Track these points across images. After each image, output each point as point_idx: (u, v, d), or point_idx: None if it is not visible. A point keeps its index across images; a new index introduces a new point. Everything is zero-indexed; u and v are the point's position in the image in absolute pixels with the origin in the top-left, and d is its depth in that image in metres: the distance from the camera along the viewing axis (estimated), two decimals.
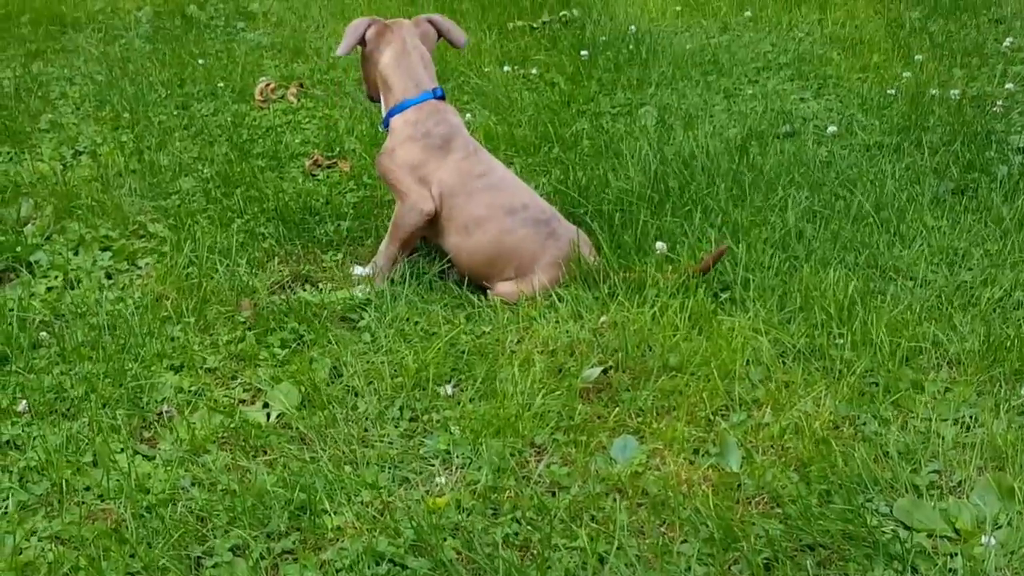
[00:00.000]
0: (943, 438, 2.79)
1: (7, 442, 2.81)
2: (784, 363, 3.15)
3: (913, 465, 2.69)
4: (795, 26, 6.39)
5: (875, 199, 4.03)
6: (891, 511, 2.52)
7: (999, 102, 5.01)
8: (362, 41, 3.70)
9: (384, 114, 3.69)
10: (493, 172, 3.60)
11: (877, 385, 3.02)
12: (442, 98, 3.67)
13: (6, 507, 2.57)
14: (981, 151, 4.43)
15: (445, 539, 2.43)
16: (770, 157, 4.43)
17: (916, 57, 5.67)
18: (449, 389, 3.05)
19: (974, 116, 4.83)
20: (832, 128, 4.81)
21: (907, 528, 2.47)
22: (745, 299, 3.42)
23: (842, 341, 3.19)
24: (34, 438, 2.80)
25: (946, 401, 2.94)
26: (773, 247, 3.68)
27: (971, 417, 2.87)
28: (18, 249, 3.77)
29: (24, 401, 2.96)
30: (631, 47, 6.00)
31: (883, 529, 2.45)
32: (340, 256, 3.82)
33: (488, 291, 3.52)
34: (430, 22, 3.75)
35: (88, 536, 2.44)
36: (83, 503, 2.59)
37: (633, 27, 6.35)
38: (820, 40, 6.12)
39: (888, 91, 5.22)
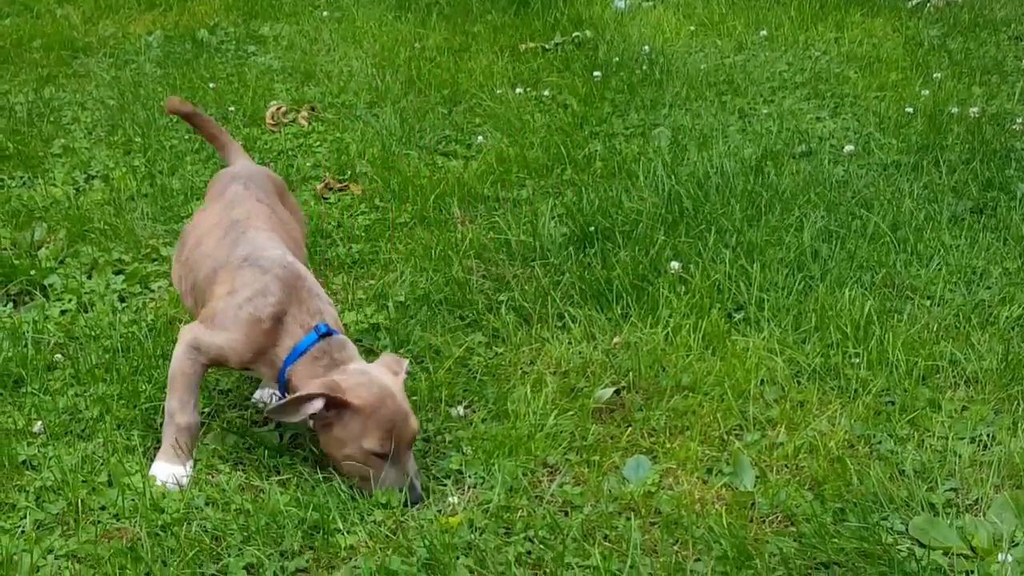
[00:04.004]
0: (960, 456, 2.77)
1: (23, 462, 2.81)
2: (799, 383, 3.13)
3: (929, 483, 2.68)
4: (811, 45, 6.39)
5: (892, 218, 4.02)
6: (907, 529, 2.50)
7: (1019, 120, 5.00)
8: None
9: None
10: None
11: (893, 404, 3.01)
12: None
13: (23, 526, 2.57)
14: (1000, 169, 4.42)
15: (458, 557, 2.42)
16: (785, 177, 4.43)
17: (935, 75, 5.67)
18: (461, 410, 3.05)
19: (993, 134, 4.82)
20: (849, 147, 4.80)
21: (923, 546, 2.45)
22: (760, 319, 3.41)
23: (858, 360, 3.18)
24: (50, 458, 2.80)
25: (963, 420, 2.93)
26: (788, 267, 3.67)
27: (988, 435, 2.86)
28: (32, 272, 3.79)
29: (40, 422, 2.97)
30: (644, 68, 6.01)
31: (899, 547, 2.43)
32: (351, 279, 3.82)
33: None
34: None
35: (104, 554, 2.44)
36: (99, 522, 2.58)
37: (647, 47, 6.36)
38: (837, 59, 6.12)
39: (906, 109, 5.21)
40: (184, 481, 2.72)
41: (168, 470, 2.73)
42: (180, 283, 3.07)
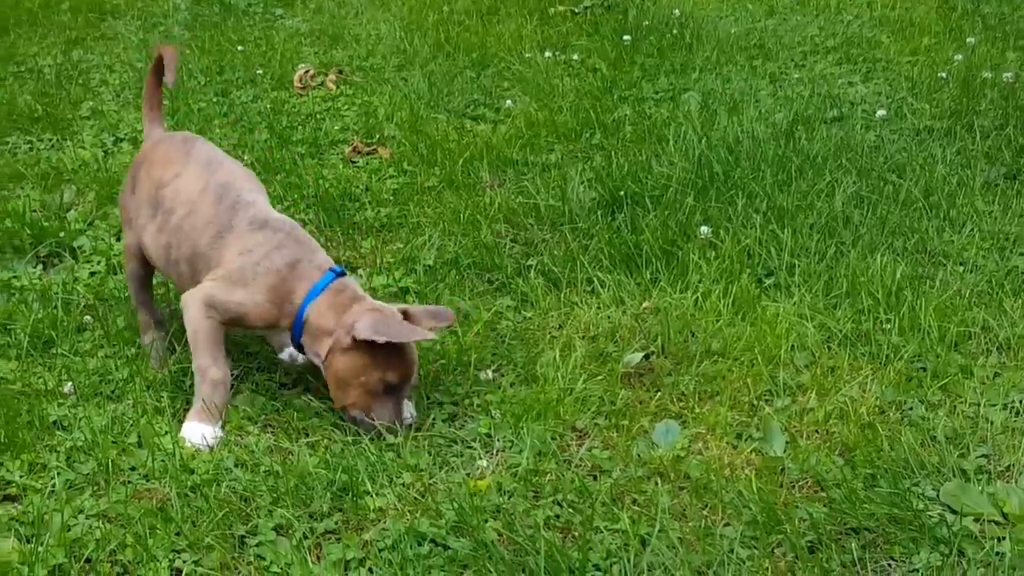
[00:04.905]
0: (992, 423, 2.75)
1: (54, 423, 2.83)
2: (830, 348, 3.11)
3: (961, 450, 2.66)
4: (843, 9, 6.32)
5: (924, 184, 3.98)
6: (938, 495, 2.49)
7: None
8: None
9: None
10: None
11: (925, 370, 2.99)
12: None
13: (54, 486, 2.59)
14: None
15: (486, 520, 2.42)
16: (817, 142, 4.39)
17: (968, 40, 5.60)
18: (490, 374, 3.04)
19: None
20: (881, 112, 4.76)
21: (954, 512, 2.43)
22: (790, 284, 3.39)
23: (889, 326, 3.15)
24: (80, 419, 2.82)
25: (995, 386, 2.90)
26: (819, 232, 3.65)
27: (1020, 402, 2.83)
28: (62, 234, 3.81)
29: (70, 383, 2.98)
30: (675, 32, 5.96)
31: (929, 513, 2.41)
32: (380, 243, 3.81)
33: None
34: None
35: (134, 514, 2.45)
36: (129, 482, 2.60)
37: (677, 11, 6.31)
38: (869, 23, 6.05)
39: (939, 74, 5.15)
40: (214, 441, 2.73)
41: (199, 430, 2.75)
42: (166, 251, 2.99)
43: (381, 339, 2.68)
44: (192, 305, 2.83)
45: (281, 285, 2.81)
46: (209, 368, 2.80)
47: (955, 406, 2.84)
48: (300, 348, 2.88)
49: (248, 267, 2.82)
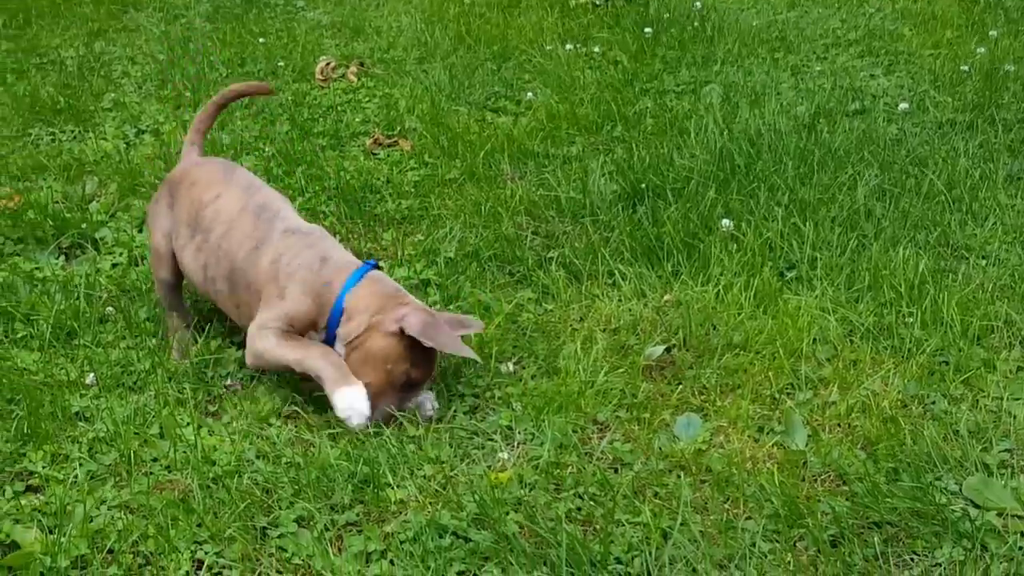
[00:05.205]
0: (1015, 417, 2.73)
1: (76, 414, 2.84)
2: (851, 342, 3.10)
3: (984, 444, 2.64)
4: (865, 1, 6.28)
5: (947, 177, 3.95)
6: (960, 489, 2.48)
7: None
8: None
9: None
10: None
11: (947, 364, 2.97)
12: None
13: (76, 476, 2.60)
14: None
15: (508, 513, 2.42)
16: (839, 135, 4.37)
17: (991, 33, 5.57)
18: (511, 366, 3.04)
19: None
20: (903, 105, 4.73)
21: (977, 506, 2.42)
22: (812, 278, 3.38)
23: (912, 320, 3.14)
24: (102, 410, 2.83)
25: (1018, 380, 2.89)
26: (841, 225, 3.63)
27: None
28: (84, 226, 3.82)
29: (92, 374, 3.00)
30: (696, 24, 5.94)
31: (952, 507, 2.40)
32: (400, 235, 3.82)
33: None
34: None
35: (156, 505, 2.46)
36: (151, 474, 2.61)
37: (698, 3, 6.28)
38: (891, 15, 6.02)
39: (961, 67, 5.12)
40: (365, 404, 2.74)
41: (349, 395, 2.75)
42: (203, 270, 3.06)
43: (428, 342, 2.72)
44: (254, 344, 2.85)
45: (315, 279, 2.86)
46: (307, 354, 2.80)
47: (978, 400, 2.83)
48: (334, 340, 2.87)
49: (282, 272, 2.88)
